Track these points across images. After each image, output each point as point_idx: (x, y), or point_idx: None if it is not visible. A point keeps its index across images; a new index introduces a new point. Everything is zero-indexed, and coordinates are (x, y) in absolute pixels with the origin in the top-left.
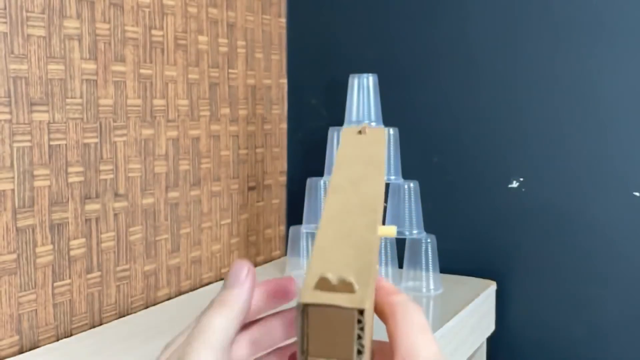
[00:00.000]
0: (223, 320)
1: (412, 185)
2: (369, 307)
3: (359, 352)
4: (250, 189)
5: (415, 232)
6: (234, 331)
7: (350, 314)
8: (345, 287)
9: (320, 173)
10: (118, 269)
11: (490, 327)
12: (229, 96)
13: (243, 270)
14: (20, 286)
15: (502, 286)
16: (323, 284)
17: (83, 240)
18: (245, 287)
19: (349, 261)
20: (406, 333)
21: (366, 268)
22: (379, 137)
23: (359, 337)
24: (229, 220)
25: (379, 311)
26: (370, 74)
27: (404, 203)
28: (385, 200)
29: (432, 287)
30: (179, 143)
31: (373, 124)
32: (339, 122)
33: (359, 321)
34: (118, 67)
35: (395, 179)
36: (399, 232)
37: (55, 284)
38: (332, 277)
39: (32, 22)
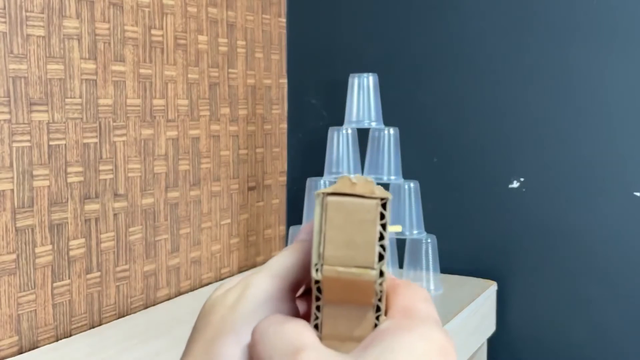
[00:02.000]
0: (290, 260)
1: (412, 185)
2: (390, 201)
3: (381, 257)
4: (250, 189)
5: (415, 232)
6: (300, 273)
7: (372, 206)
8: (366, 185)
9: (320, 173)
10: (118, 269)
11: (490, 327)
12: (229, 96)
13: None
14: (19, 286)
15: (503, 286)
16: (344, 182)
17: (82, 240)
18: None
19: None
20: (404, 296)
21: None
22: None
23: (381, 237)
24: (229, 221)
25: None
26: (370, 74)
27: (404, 203)
28: None
29: (432, 287)
30: (178, 143)
31: (373, 123)
32: (339, 122)
33: (382, 217)
34: (118, 67)
35: (396, 179)
36: (399, 233)
37: (54, 284)
38: (353, 178)
39: (31, 21)
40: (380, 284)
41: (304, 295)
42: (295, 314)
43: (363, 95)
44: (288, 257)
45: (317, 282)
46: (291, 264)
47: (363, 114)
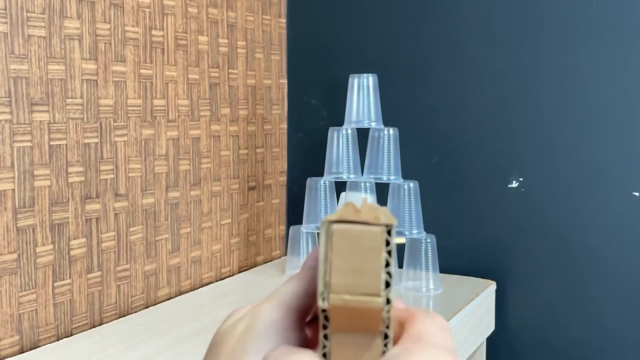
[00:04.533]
0: (297, 288)
1: (412, 185)
2: (395, 227)
3: (387, 284)
4: (250, 189)
5: (415, 231)
6: (308, 301)
7: (377, 232)
8: (371, 211)
9: (320, 173)
10: (118, 268)
11: (489, 327)
12: (229, 96)
13: None
14: (20, 286)
15: (502, 286)
16: (348, 209)
17: (83, 240)
18: None
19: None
20: (420, 322)
21: (385, 210)
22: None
23: (387, 265)
24: (229, 220)
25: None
26: (370, 74)
27: (404, 203)
28: (386, 201)
29: (431, 287)
30: (179, 143)
31: (373, 124)
32: (339, 122)
33: (387, 243)
34: (118, 67)
35: (395, 178)
36: (399, 233)
37: (55, 284)
38: (357, 204)
39: (32, 22)
40: (388, 311)
41: (312, 322)
42: (304, 342)
43: (363, 95)
44: (295, 285)
45: (324, 310)
46: (299, 292)
47: (363, 114)
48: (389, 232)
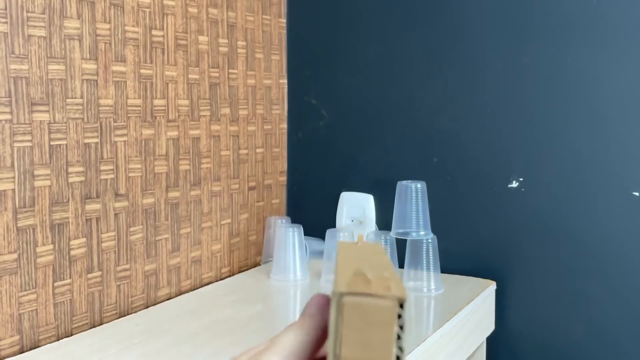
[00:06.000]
0: (300, 338)
1: (418, 186)
2: (408, 303)
3: (398, 358)
4: (251, 189)
5: (422, 233)
6: (310, 350)
7: (389, 307)
8: (382, 282)
9: (320, 173)
10: (118, 268)
11: (490, 326)
12: (229, 96)
13: (324, 300)
14: (20, 286)
15: (502, 286)
16: (359, 279)
17: (83, 240)
18: (325, 315)
19: (376, 269)
20: None
21: (394, 275)
22: (377, 246)
23: (399, 338)
24: (229, 220)
25: None
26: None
27: (411, 204)
28: (392, 202)
29: (432, 287)
30: (179, 143)
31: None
32: (339, 122)
33: (399, 316)
34: (118, 67)
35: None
36: (404, 233)
37: (55, 284)
38: (368, 273)
39: (32, 22)
40: None
41: None
42: None
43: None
44: (298, 335)
45: None
46: (301, 342)
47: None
48: (400, 306)
